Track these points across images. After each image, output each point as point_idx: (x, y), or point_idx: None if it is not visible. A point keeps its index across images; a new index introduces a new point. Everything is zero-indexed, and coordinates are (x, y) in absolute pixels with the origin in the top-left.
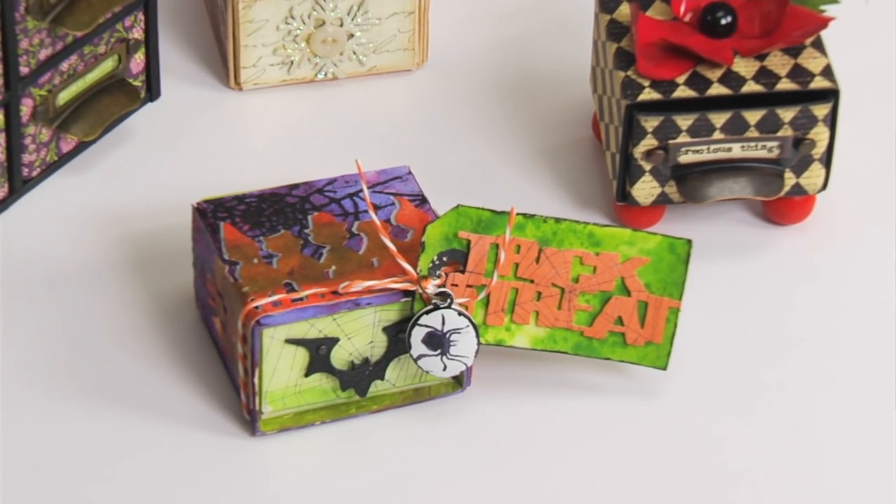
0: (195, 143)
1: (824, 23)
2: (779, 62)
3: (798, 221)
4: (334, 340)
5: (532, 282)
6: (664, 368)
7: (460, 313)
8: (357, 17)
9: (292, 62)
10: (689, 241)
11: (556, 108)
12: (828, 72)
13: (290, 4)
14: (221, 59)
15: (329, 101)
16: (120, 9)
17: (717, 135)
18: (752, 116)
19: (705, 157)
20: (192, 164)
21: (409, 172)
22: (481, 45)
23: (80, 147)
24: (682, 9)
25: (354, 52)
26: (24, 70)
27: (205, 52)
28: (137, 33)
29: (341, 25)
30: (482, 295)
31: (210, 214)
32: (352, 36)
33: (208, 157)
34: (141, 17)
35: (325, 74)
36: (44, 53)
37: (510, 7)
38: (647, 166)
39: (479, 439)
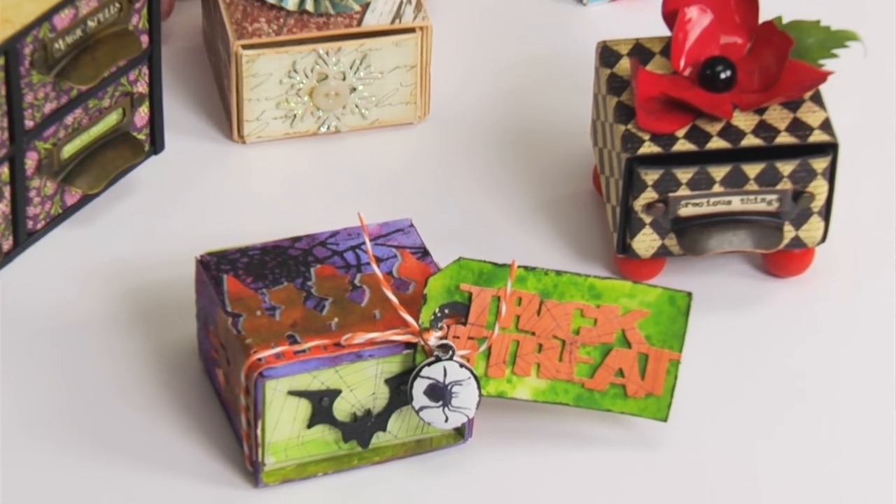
0: (199, 195)
1: (823, 77)
2: (778, 116)
3: (797, 274)
4: (337, 392)
5: (533, 334)
6: (665, 420)
7: (462, 365)
8: (360, 71)
9: (295, 116)
10: (690, 294)
11: (557, 160)
12: (826, 125)
13: (293, 58)
14: (225, 113)
15: (332, 154)
16: (124, 63)
17: (716, 188)
18: (752, 170)
19: (705, 209)
20: (196, 216)
21: (411, 225)
22: (483, 98)
23: (85, 200)
24: (682, 63)
25: (357, 106)
26: (29, 124)
27: (208, 105)
28: (142, 87)
29: (344, 79)
30: (484, 347)
31: (213, 267)
32: (354, 90)
33: (212, 210)
34: (145, 70)
35: (328, 128)
36: (49, 107)
37: (511, 60)
38: (648, 219)
39: (481, 491)
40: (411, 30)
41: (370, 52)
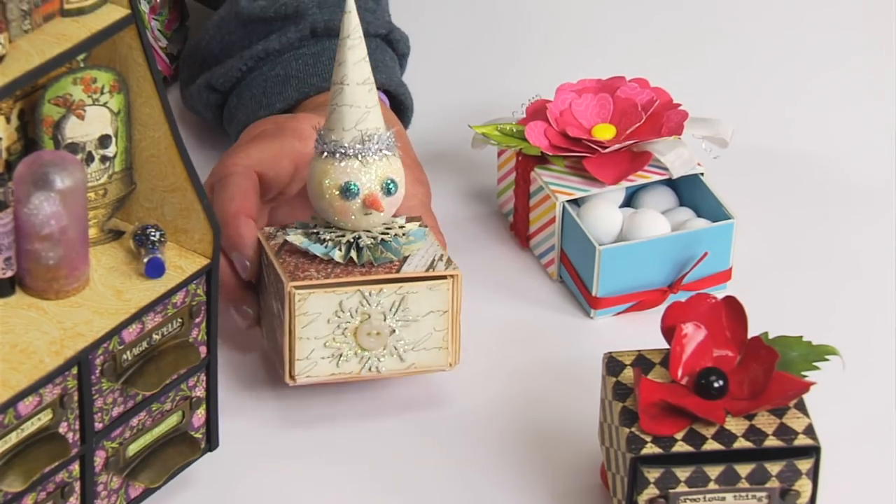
0: (251, 485)
1: (806, 387)
2: (766, 421)
3: None
4: None
5: None
6: None
7: None
8: (398, 313)
9: (341, 355)
10: None
11: (568, 456)
12: (810, 430)
13: (340, 298)
14: (279, 360)
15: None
16: (185, 370)
17: (711, 485)
18: (743, 469)
19: None
20: None
21: None
22: (500, 398)
23: (147, 493)
24: (680, 373)
25: (395, 348)
26: (98, 426)
27: (262, 393)
28: (199, 392)
29: (384, 320)
30: None
31: None
32: (393, 331)
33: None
34: (203, 377)
35: (370, 369)
36: (116, 410)
37: (527, 366)
38: None
39: None
40: (443, 277)
41: (408, 294)
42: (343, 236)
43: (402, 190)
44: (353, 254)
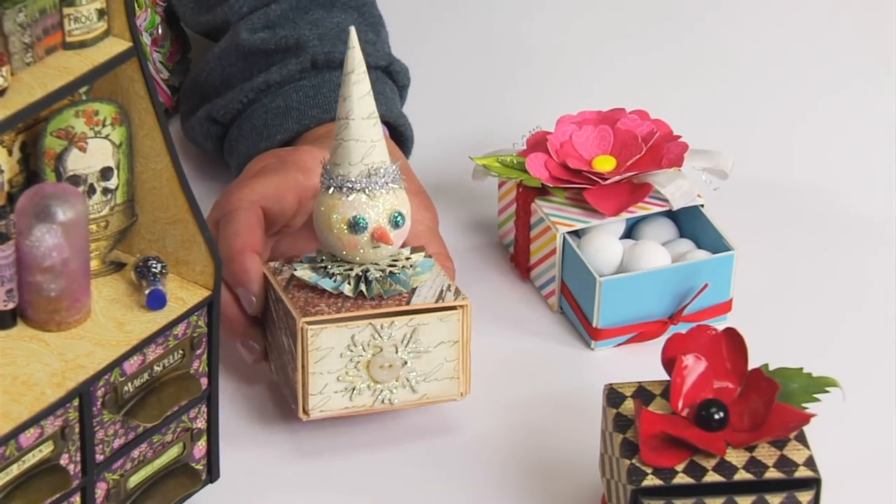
0: None
1: (806, 419)
2: (766, 453)
3: None
4: None
5: None
6: None
7: None
8: (409, 345)
9: (354, 389)
10: None
11: (569, 488)
12: (810, 462)
13: (352, 332)
14: (292, 396)
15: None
16: (186, 402)
17: None
18: (744, 501)
19: None
20: None
21: None
22: (500, 430)
23: None
24: (680, 404)
25: (408, 380)
26: (99, 457)
27: (270, 422)
28: (200, 423)
29: (396, 352)
30: None
31: None
32: (405, 363)
33: None
34: (204, 409)
35: (383, 401)
36: (117, 442)
37: (528, 397)
38: None
39: None
40: (453, 307)
41: (419, 325)
42: (351, 270)
43: (409, 222)
44: (363, 287)
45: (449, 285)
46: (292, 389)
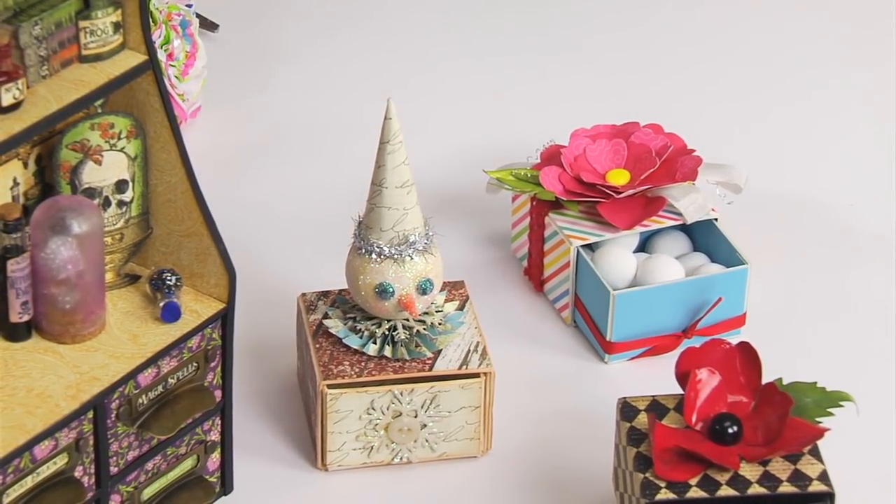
0: None
1: (820, 433)
2: (780, 467)
3: None
4: None
5: None
6: None
7: None
8: (429, 410)
9: (372, 447)
10: None
11: (582, 501)
12: (824, 477)
13: (372, 397)
14: (311, 442)
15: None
16: (200, 415)
17: None
18: None
19: None
20: None
21: None
22: (516, 443)
23: None
24: (694, 418)
25: (427, 440)
26: (113, 469)
27: (297, 437)
28: (214, 436)
29: (416, 416)
30: None
31: None
32: (424, 426)
33: None
34: (218, 421)
35: (401, 459)
36: (132, 454)
37: (543, 411)
38: None
39: None
40: (476, 375)
41: (439, 393)
42: (379, 326)
43: (438, 287)
44: (388, 348)
45: (477, 344)
46: (313, 434)
